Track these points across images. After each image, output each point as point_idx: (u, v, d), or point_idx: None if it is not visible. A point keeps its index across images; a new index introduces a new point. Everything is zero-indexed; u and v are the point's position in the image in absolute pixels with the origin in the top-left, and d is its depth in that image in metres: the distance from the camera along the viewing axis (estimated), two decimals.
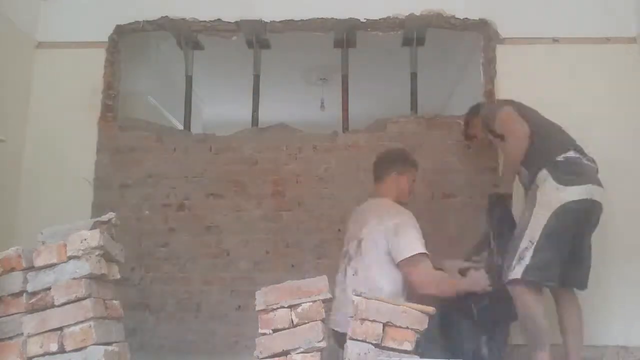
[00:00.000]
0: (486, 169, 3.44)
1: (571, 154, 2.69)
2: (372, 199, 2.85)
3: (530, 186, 2.75)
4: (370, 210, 2.74)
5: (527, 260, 2.55)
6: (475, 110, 3.17)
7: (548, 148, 2.72)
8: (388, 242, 2.57)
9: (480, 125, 3.08)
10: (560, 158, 2.67)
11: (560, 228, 2.57)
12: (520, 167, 2.79)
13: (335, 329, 2.56)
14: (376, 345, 2.02)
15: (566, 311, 2.74)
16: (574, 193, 2.59)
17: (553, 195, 2.60)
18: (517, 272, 2.56)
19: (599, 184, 2.66)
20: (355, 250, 2.65)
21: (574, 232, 2.62)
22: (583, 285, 2.74)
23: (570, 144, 2.75)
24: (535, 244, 2.56)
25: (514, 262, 2.59)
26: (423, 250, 2.55)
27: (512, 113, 2.82)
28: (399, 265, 2.56)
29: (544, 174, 2.66)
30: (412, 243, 2.55)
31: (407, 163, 2.86)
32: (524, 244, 2.59)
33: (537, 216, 2.60)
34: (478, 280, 2.64)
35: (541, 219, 2.58)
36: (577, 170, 2.65)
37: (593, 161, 2.74)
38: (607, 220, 3.31)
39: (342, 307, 2.53)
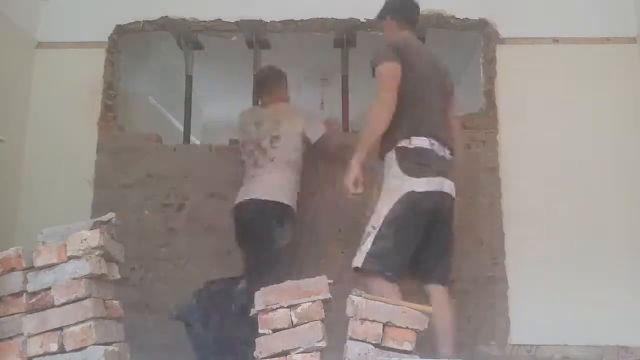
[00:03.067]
0: (486, 169, 3.44)
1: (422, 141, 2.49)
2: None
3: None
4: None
5: (367, 246, 2.41)
6: None
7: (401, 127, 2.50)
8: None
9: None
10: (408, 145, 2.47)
11: (403, 218, 2.41)
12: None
13: None
14: (376, 345, 2.02)
15: (435, 309, 2.24)
16: (419, 184, 2.43)
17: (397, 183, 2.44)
18: (358, 259, 2.42)
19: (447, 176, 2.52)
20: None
21: (421, 223, 2.45)
22: (444, 281, 2.55)
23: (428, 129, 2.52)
24: (377, 230, 2.41)
25: (357, 249, 2.45)
26: None
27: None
28: None
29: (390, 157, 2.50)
30: None
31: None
32: (367, 229, 2.44)
33: (382, 203, 2.45)
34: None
35: (385, 206, 2.43)
36: (424, 162, 2.46)
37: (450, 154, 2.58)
38: (606, 220, 3.33)
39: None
